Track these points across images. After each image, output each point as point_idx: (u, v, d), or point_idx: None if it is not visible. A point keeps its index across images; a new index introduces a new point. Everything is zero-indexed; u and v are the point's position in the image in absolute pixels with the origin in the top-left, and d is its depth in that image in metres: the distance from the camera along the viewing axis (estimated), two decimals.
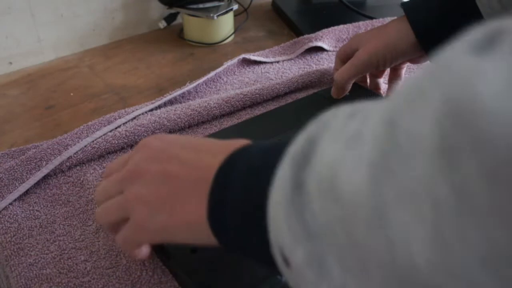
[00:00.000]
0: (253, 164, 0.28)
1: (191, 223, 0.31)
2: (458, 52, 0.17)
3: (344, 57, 0.60)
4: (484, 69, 0.16)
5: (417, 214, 0.18)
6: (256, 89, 0.62)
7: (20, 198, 0.48)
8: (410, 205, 0.19)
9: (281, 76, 0.69)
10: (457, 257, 0.17)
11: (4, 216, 0.45)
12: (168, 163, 0.33)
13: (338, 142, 0.23)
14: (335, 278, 0.23)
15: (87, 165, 0.52)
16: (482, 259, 0.17)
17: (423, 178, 0.18)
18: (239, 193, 0.28)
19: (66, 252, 0.42)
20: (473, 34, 0.18)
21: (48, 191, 0.49)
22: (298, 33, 0.82)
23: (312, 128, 0.26)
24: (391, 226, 0.19)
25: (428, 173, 0.18)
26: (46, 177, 0.50)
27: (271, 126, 0.55)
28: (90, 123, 0.55)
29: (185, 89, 0.64)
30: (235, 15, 0.84)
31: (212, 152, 0.32)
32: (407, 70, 0.65)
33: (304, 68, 0.71)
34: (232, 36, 0.84)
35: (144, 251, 0.38)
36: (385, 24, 0.57)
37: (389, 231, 0.19)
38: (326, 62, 0.73)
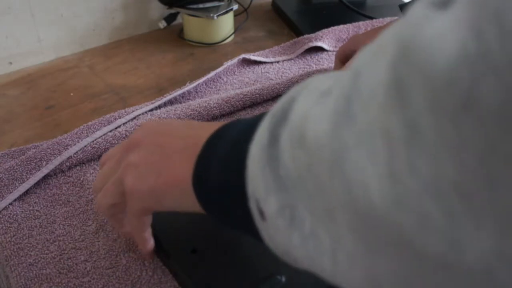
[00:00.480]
0: (239, 130, 0.30)
1: (176, 185, 0.33)
2: (415, 8, 0.19)
3: (343, 58, 0.60)
4: (433, 17, 0.18)
5: (372, 153, 0.20)
6: (256, 89, 0.62)
7: (20, 198, 0.48)
8: (366, 145, 0.20)
9: (281, 76, 0.69)
10: (408, 189, 0.18)
11: (4, 216, 0.45)
12: (161, 135, 0.35)
13: (312, 97, 0.24)
14: (305, 226, 0.24)
15: (87, 165, 0.52)
16: (431, 190, 0.18)
17: (378, 117, 0.19)
18: (223, 156, 0.30)
19: (66, 252, 0.42)
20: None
21: (48, 191, 0.49)
22: (298, 33, 0.81)
23: (294, 89, 0.27)
24: (350, 167, 0.20)
25: (382, 112, 0.19)
26: (46, 177, 0.50)
27: None
28: (90, 123, 0.55)
29: (185, 89, 0.64)
30: (235, 15, 0.84)
31: (204, 128, 0.34)
32: None
33: (304, 68, 0.71)
34: (232, 36, 0.84)
35: (151, 242, 0.39)
36: (384, 25, 0.57)
37: (347, 173, 0.21)
38: (326, 62, 0.73)
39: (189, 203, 0.32)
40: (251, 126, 0.29)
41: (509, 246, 0.17)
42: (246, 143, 0.28)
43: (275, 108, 0.27)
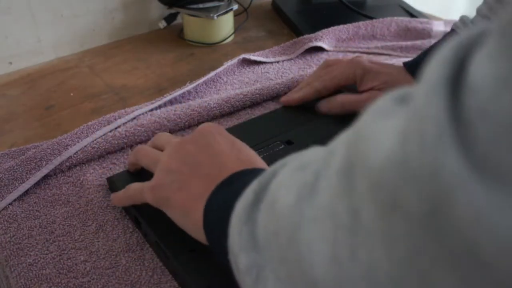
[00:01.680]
0: (244, 183, 0.32)
1: (189, 206, 0.36)
2: (378, 101, 0.21)
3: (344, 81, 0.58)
4: (385, 115, 0.19)
5: (322, 233, 0.21)
6: (256, 89, 0.62)
7: (20, 198, 0.47)
8: (319, 224, 0.21)
9: (281, 76, 0.69)
10: (347, 275, 0.19)
11: (4, 216, 0.45)
12: (201, 151, 0.38)
13: (291, 167, 0.27)
14: (268, 287, 0.26)
15: (87, 165, 0.52)
16: (368, 278, 0.19)
17: (331, 199, 0.21)
18: (221, 205, 0.33)
19: (65, 252, 0.42)
20: (382, 100, 0.21)
21: (48, 191, 0.49)
22: (298, 33, 0.81)
23: (288, 156, 0.30)
24: (302, 242, 0.22)
25: (334, 195, 0.20)
26: (46, 177, 0.50)
27: (271, 127, 0.55)
28: (90, 123, 0.55)
29: (185, 89, 0.64)
30: (235, 15, 0.84)
31: (236, 160, 0.37)
32: None
33: (304, 68, 0.71)
34: (232, 36, 0.84)
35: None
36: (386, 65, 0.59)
37: (300, 246, 0.22)
38: None
39: (190, 225, 0.36)
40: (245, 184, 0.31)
41: None
42: (234, 198, 0.31)
43: (266, 171, 0.30)
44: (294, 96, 0.59)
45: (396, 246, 0.17)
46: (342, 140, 0.22)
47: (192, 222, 0.36)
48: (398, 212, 0.17)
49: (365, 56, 0.61)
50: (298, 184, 0.24)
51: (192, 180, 0.36)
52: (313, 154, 0.27)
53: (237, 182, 0.34)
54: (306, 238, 0.22)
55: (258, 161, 0.38)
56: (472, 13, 0.58)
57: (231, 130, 0.55)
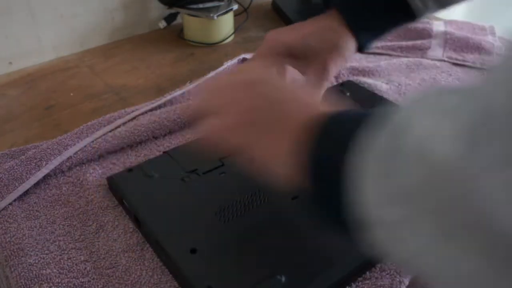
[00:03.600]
0: (344, 132, 0.30)
1: (279, 152, 0.34)
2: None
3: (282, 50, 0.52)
4: None
5: (507, 180, 0.19)
6: None
7: (20, 198, 0.47)
8: (500, 173, 0.19)
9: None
10: None
11: (4, 216, 0.45)
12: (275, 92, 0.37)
13: (436, 113, 0.24)
14: (420, 238, 0.24)
15: (87, 165, 0.52)
16: None
17: (508, 145, 0.19)
18: (332, 152, 0.31)
19: (65, 252, 0.42)
20: None
21: (48, 191, 0.49)
22: None
23: (409, 102, 0.28)
24: (476, 192, 0.20)
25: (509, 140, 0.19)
26: (46, 177, 0.50)
27: None
28: (90, 123, 0.55)
29: (185, 89, 0.64)
30: (235, 15, 0.84)
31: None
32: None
33: None
34: (232, 36, 0.84)
35: None
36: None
37: (474, 197, 0.20)
38: None
39: (278, 167, 0.34)
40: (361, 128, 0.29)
41: None
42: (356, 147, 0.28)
43: (390, 119, 0.27)
44: None
45: None
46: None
47: (282, 166, 0.33)
48: None
49: None
50: (454, 132, 0.22)
51: (276, 124, 0.35)
52: (454, 95, 0.25)
53: (339, 129, 0.32)
54: (483, 188, 0.20)
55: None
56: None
57: None
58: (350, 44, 0.50)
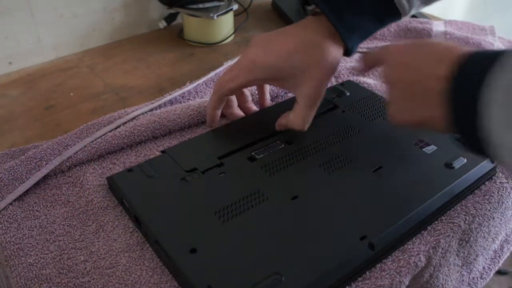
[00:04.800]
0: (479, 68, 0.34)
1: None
2: None
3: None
4: None
5: None
6: (255, 89, 0.62)
7: (20, 198, 0.47)
8: None
9: None
10: None
11: (4, 216, 0.45)
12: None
13: None
14: None
15: (87, 165, 0.52)
16: None
17: None
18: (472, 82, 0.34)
19: (65, 252, 0.42)
20: None
21: (47, 191, 0.49)
22: None
23: None
24: None
25: None
26: (46, 177, 0.50)
27: (271, 125, 0.55)
28: (90, 123, 0.55)
29: (185, 89, 0.64)
30: (235, 15, 0.84)
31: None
32: None
33: None
34: (232, 36, 0.84)
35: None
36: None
37: None
38: None
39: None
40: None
41: None
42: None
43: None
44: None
45: None
46: None
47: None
48: None
49: None
50: None
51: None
52: None
53: (474, 64, 0.35)
54: None
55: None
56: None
57: (228, 128, 0.55)
58: (337, 53, 0.50)
